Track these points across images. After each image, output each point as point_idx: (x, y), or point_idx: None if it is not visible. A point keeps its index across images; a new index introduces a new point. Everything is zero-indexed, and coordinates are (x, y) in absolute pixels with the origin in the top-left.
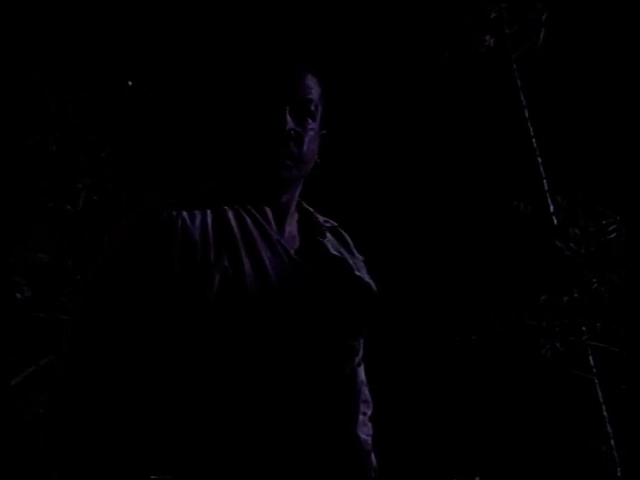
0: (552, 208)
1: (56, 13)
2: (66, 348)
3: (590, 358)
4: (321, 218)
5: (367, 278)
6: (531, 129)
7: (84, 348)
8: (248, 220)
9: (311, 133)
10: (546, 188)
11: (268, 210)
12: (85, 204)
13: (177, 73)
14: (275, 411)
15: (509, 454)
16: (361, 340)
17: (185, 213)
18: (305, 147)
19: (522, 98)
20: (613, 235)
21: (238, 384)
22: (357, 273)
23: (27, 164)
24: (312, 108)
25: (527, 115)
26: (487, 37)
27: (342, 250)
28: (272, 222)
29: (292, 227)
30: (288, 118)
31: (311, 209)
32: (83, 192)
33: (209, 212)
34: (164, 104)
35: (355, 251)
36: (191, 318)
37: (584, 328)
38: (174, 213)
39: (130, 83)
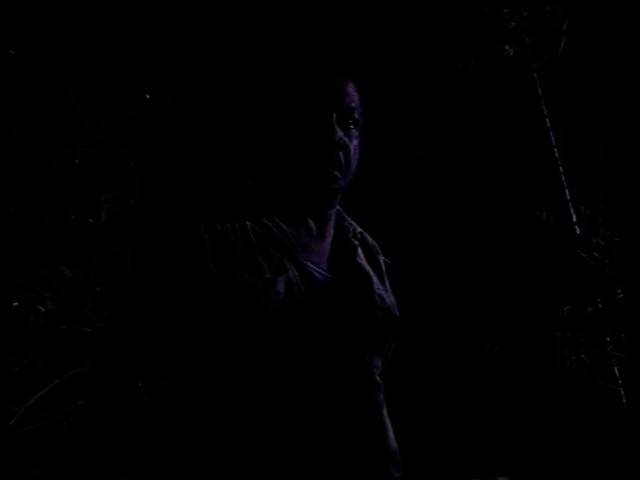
0: (575, 218)
1: (85, 26)
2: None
3: (615, 369)
4: (349, 220)
5: (385, 296)
6: (552, 138)
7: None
8: (279, 230)
9: (355, 142)
10: (568, 198)
11: (311, 221)
12: (107, 217)
13: (210, 84)
14: (281, 421)
15: (533, 461)
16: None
17: (215, 225)
18: (351, 156)
19: (543, 107)
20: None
21: (247, 393)
22: (377, 292)
23: (57, 178)
24: (356, 116)
25: (548, 124)
26: (507, 46)
27: (366, 261)
28: (315, 232)
29: (330, 233)
30: (336, 127)
31: (344, 215)
32: (106, 205)
33: (239, 223)
34: (192, 116)
35: (379, 258)
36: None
37: (608, 339)
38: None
39: (169, 100)
